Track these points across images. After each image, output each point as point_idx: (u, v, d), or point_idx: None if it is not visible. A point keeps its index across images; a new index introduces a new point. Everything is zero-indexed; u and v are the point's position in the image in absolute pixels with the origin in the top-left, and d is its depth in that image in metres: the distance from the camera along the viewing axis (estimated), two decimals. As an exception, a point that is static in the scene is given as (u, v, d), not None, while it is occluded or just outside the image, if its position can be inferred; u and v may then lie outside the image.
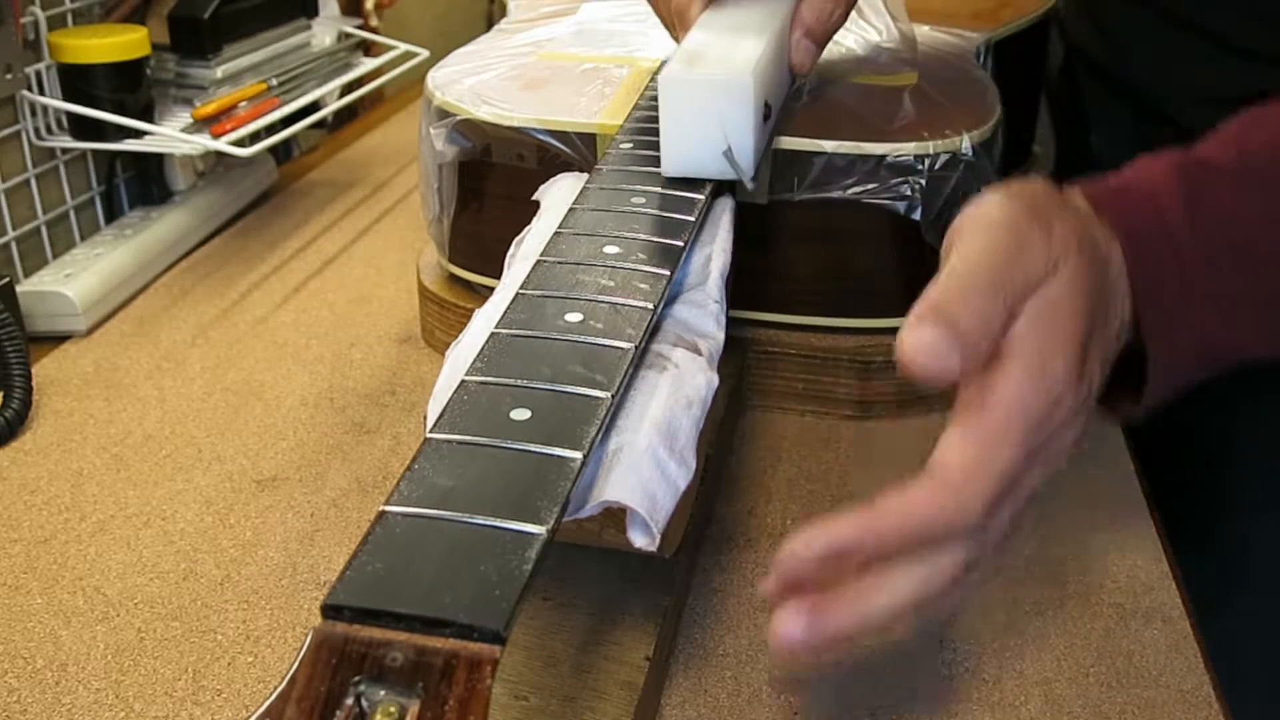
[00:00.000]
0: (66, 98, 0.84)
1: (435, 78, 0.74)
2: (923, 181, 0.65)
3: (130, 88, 0.85)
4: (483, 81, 0.73)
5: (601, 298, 0.46)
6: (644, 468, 0.40)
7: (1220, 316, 0.47)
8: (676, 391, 0.44)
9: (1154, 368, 0.47)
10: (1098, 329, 0.43)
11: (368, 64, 1.08)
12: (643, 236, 0.51)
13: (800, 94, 0.71)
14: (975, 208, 0.43)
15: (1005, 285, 0.40)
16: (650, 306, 0.46)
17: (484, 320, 0.47)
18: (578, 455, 0.37)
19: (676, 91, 0.56)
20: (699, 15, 0.64)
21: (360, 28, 1.12)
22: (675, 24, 0.66)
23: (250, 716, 0.29)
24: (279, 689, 0.30)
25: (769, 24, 0.61)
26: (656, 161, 0.59)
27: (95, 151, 0.90)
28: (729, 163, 0.56)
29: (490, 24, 0.95)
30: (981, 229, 0.42)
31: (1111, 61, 0.88)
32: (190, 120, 0.89)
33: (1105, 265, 0.45)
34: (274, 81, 0.96)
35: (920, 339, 0.38)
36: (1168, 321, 0.47)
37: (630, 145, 0.61)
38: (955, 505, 0.38)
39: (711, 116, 0.56)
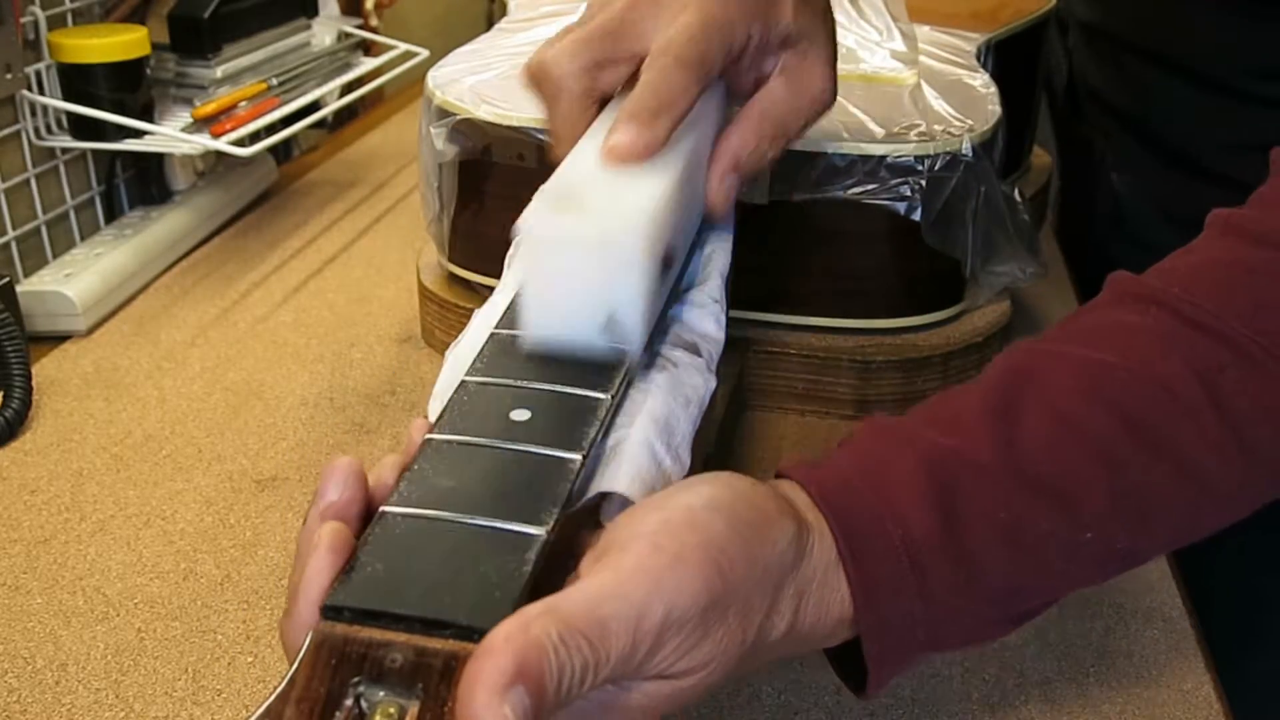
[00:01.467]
0: (66, 97, 0.84)
1: (435, 77, 0.74)
2: (923, 182, 0.65)
3: (130, 87, 0.85)
4: (483, 81, 0.73)
5: None
6: (640, 460, 0.40)
7: (962, 633, 0.42)
8: (675, 389, 0.44)
9: (874, 682, 0.42)
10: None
11: (368, 64, 1.08)
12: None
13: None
14: (665, 533, 0.35)
15: (615, 666, 0.33)
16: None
17: (484, 320, 0.47)
18: (577, 457, 0.37)
19: (542, 247, 0.42)
20: (583, 117, 0.50)
21: (360, 27, 1.12)
22: (551, 125, 0.52)
23: (249, 717, 0.29)
24: (278, 689, 0.30)
25: (678, 140, 0.47)
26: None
27: (95, 151, 0.90)
28: (610, 334, 0.42)
29: (490, 23, 0.95)
30: (655, 585, 0.34)
31: (1128, 106, 0.88)
32: (190, 120, 0.89)
33: (766, 645, 0.38)
34: (274, 81, 0.96)
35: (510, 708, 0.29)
36: (897, 653, 0.41)
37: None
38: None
39: (590, 280, 0.42)
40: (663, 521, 0.36)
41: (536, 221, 0.42)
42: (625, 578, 0.34)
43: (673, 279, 0.49)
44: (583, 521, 0.39)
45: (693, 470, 0.42)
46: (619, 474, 0.39)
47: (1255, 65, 0.76)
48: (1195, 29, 0.80)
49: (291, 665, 0.32)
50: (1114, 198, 0.90)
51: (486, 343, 0.43)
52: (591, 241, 0.41)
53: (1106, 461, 0.42)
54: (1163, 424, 0.43)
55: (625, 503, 0.38)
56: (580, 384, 0.41)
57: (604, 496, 0.39)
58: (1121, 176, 0.89)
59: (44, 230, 0.86)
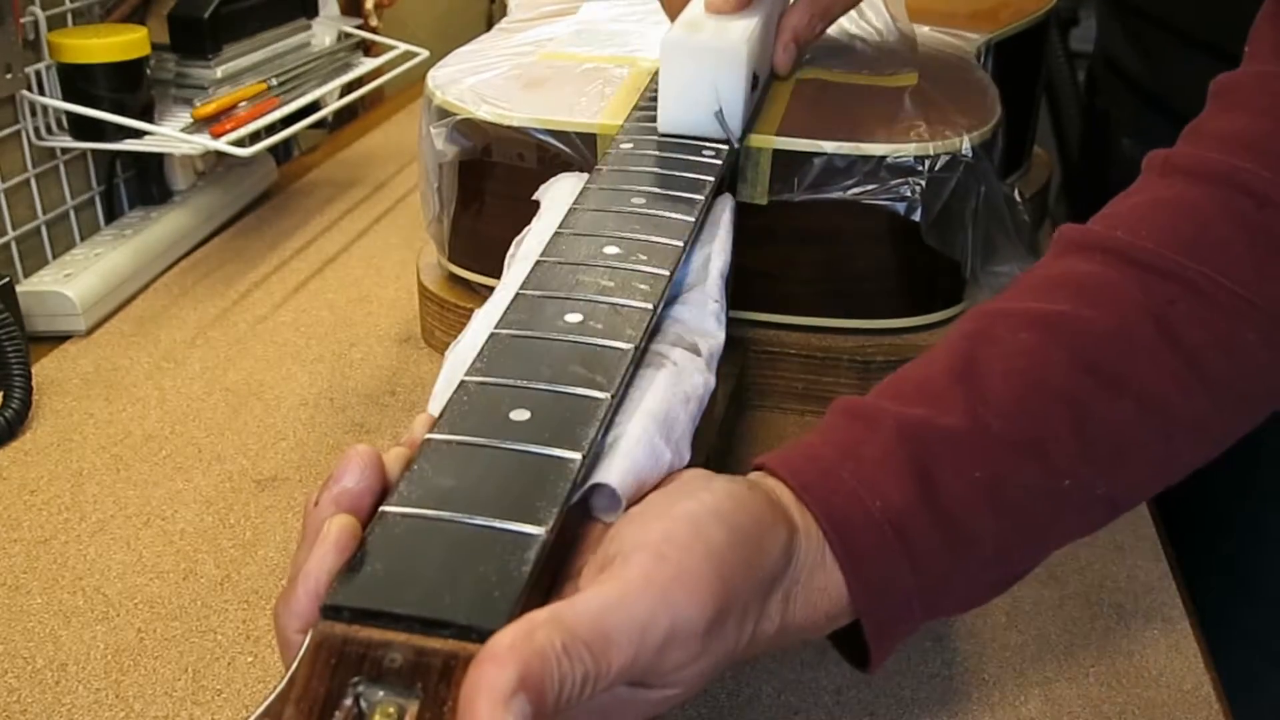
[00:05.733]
0: (66, 98, 0.84)
1: (436, 77, 0.74)
2: (923, 183, 0.65)
3: (130, 88, 0.85)
4: (483, 81, 0.73)
5: (601, 298, 0.46)
6: (635, 453, 0.40)
7: (958, 597, 0.43)
8: (675, 386, 0.44)
9: (876, 657, 0.42)
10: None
11: (368, 64, 1.08)
12: (642, 237, 0.51)
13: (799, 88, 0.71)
14: (663, 540, 0.36)
15: (616, 677, 0.33)
16: (650, 307, 0.46)
17: (484, 320, 0.47)
18: (577, 456, 0.37)
19: (677, 54, 0.62)
20: None
21: (360, 27, 1.12)
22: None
23: (249, 717, 0.29)
24: (278, 689, 0.30)
25: (758, 8, 0.66)
26: (657, 162, 0.59)
27: (95, 151, 0.90)
28: (720, 123, 0.61)
29: (491, 23, 0.95)
30: (660, 597, 0.34)
31: (1145, 77, 0.88)
32: (190, 120, 0.88)
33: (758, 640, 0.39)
34: (274, 81, 0.96)
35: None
36: (895, 625, 0.42)
37: (631, 145, 0.61)
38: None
39: (707, 79, 0.61)
40: (666, 531, 0.36)
41: (675, 36, 0.62)
42: (631, 589, 0.34)
43: (756, 98, 0.68)
44: (575, 513, 0.39)
45: (694, 467, 0.42)
46: (611, 467, 0.39)
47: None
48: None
49: (290, 661, 0.32)
50: (1126, 164, 0.90)
51: (486, 343, 0.44)
52: (711, 49, 0.61)
53: (1071, 407, 0.43)
54: (1121, 363, 0.43)
55: (613, 494, 0.38)
56: (580, 384, 0.41)
57: (594, 488, 0.39)
58: (1133, 142, 0.90)
59: (44, 230, 0.86)
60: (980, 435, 0.42)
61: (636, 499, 0.39)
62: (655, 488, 0.40)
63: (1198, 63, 0.82)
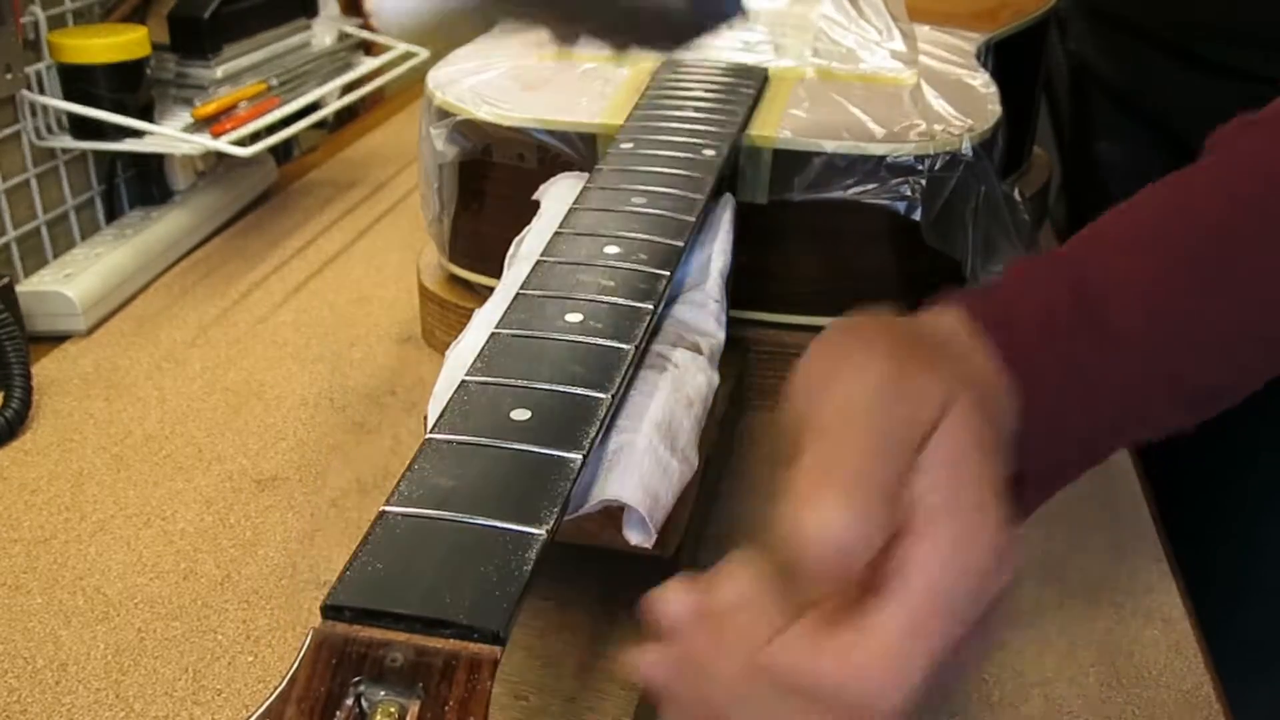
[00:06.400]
0: (66, 98, 0.84)
1: (436, 77, 0.74)
2: (923, 182, 0.65)
3: (130, 88, 0.85)
4: (483, 81, 0.73)
5: (601, 298, 0.46)
6: (645, 466, 0.40)
7: (1118, 401, 0.43)
8: (677, 390, 0.44)
9: (1032, 500, 0.43)
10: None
11: (368, 64, 1.08)
12: (642, 237, 0.51)
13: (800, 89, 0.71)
14: (831, 351, 0.36)
15: (896, 445, 0.33)
16: (650, 307, 0.46)
17: (484, 320, 0.47)
18: (577, 456, 0.37)
19: None
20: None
21: (360, 27, 1.12)
22: None
23: (250, 717, 0.29)
24: (279, 689, 0.30)
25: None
26: (657, 161, 0.59)
27: (95, 151, 0.90)
28: None
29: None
30: (850, 375, 0.34)
31: (1124, 83, 0.88)
32: (190, 120, 0.89)
33: (993, 398, 0.39)
34: (274, 81, 0.97)
35: (830, 526, 0.30)
36: (1061, 469, 0.43)
37: (630, 145, 0.61)
38: (865, 691, 0.32)
39: None
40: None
41: None
42: (826, 424, 0.33)
43: None
44: (602, 523, 0.39)
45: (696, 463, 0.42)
46: (621, 481, 0.39)
47: (1219, 30, 0.76)
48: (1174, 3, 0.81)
49: (291, 665, 0.32)
50: (1105, 167, 0.90)
51: (486, 343, 0.44)
52: None
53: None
54: None
55: (641, 518, 0.39)
56: (580, 384, 0.41)
57: (622, 508, 0.39)
58: (1109, 145, 0.90)
59: (44, 230, 0.86)
60: (1150, 258, 0.43)
61: (655, 512, 0.39)
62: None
63: (1168, 67, 0.82)
